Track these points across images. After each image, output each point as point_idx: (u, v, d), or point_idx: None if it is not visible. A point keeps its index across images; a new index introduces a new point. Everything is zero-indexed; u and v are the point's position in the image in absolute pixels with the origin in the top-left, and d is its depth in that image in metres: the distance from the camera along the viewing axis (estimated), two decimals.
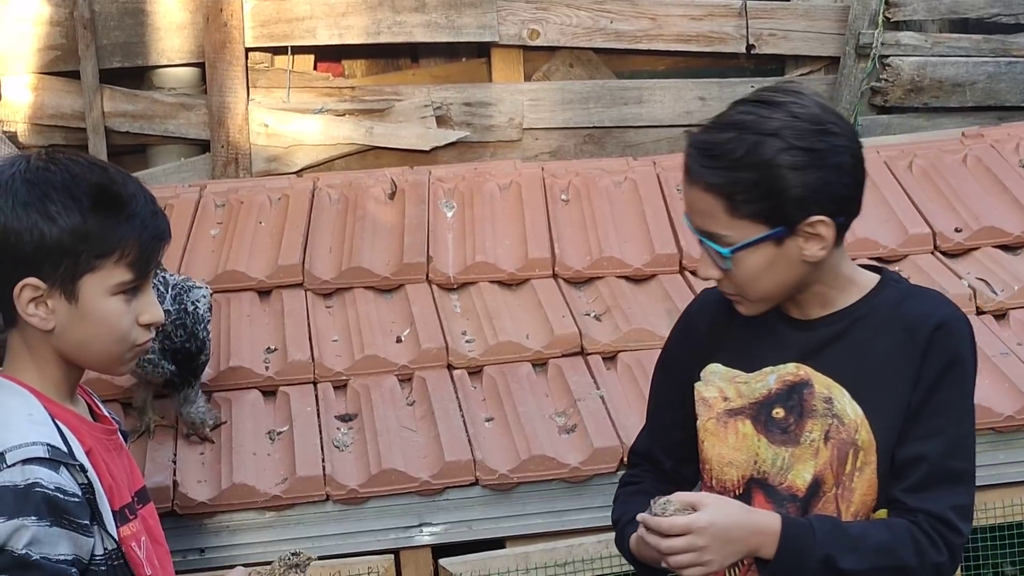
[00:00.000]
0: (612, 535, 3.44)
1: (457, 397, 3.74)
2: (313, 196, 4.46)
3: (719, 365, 2.70)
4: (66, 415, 2.51)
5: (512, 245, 4.26)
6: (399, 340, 3.92)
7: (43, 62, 5.30)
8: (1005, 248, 4.25)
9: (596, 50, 5.65)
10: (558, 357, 3.87)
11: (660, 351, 2.89)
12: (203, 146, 5.39)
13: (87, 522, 2.44)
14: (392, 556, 3.47)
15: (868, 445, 2.58)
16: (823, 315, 2.63)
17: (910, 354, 2.56)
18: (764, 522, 2.57)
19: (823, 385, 2.60)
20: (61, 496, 2.40)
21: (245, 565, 2.76)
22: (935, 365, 2.56)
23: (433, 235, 4.28)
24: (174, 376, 3.53)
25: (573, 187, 4.50)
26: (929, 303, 2.63)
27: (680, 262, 4.20)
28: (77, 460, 2.44)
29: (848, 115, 5.33)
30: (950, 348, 2.57)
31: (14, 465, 2.38)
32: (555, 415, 3.69)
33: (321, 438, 3.60)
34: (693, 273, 4.16)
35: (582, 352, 3.89)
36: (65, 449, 2.44)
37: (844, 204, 2.54)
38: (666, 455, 2.82)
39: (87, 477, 2.45)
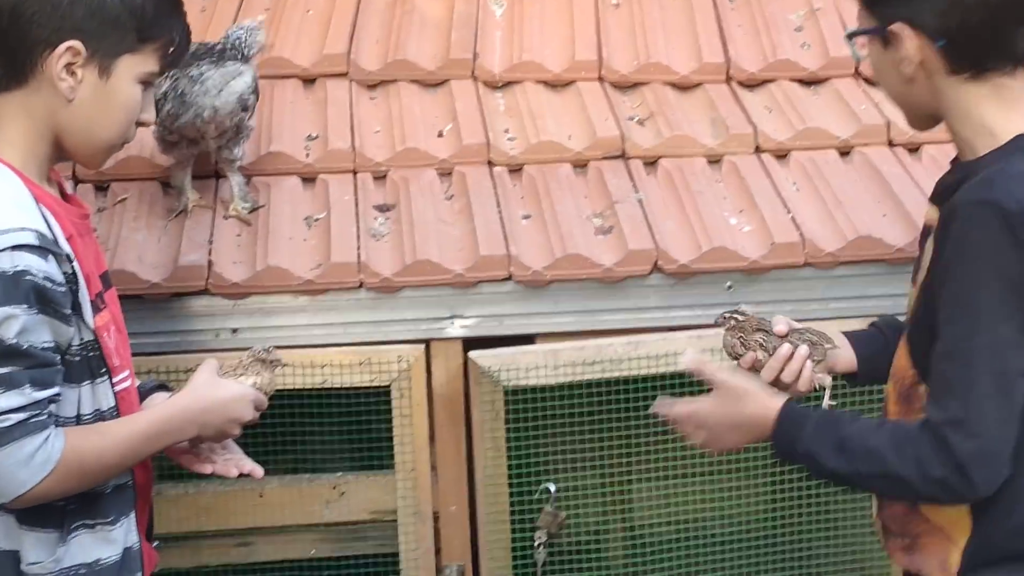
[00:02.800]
0: (642, 337, 3.50)
1: (496, 193, 3.73)
2: None
3: None
4: (47, 198, 2.50)
5: (559, 47, 4.21)
6: (441, 135, 3.90)
7: None
8: None
9: None
10: (599, 159, 3.85)
11: None
12: None
13: (69, 312, 2.44)
14: (423, 346, 3.49)
15: (909, 311, 2.55)
16: (956, 163, 2.53)
17: (939, 235, 2.42)
18: (761, 413, 2.59)
19: (934, 238, 2.48)
20: (49, 285, 2.39)
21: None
22: (944, 253, 2.39)
23: (481, 32, 4.24)
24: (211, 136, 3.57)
25: None
26: (978, 180, 2.40)
27: (727, 72, 4.14)
28: (64, 249, 2.44)
29: None
30: (959, 238, 2.36)
31: (3, 251, 2.37)
32: (592, 216, 3.68)
33: (358, 227, 3.60)
34: (741, 84, 4.12)
35: (623, 156, 3.87)
36: (51, 236, 2.43)
37: (947, 23, 2.40)
38: None
39: (72, 267, 2.45)
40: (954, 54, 2.42)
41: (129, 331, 2.73)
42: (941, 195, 2.51)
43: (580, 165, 3.86)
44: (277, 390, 2.87)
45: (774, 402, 2.60)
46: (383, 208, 3.69)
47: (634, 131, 3.92)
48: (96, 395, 2.55)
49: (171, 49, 2.60)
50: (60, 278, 2.42)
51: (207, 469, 2.76)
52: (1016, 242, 2.32)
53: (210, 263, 3.47)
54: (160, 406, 2.67)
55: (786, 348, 2.75)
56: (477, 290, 3.51)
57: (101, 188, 3.71)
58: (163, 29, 2.57)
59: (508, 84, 4.12)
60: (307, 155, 3.82)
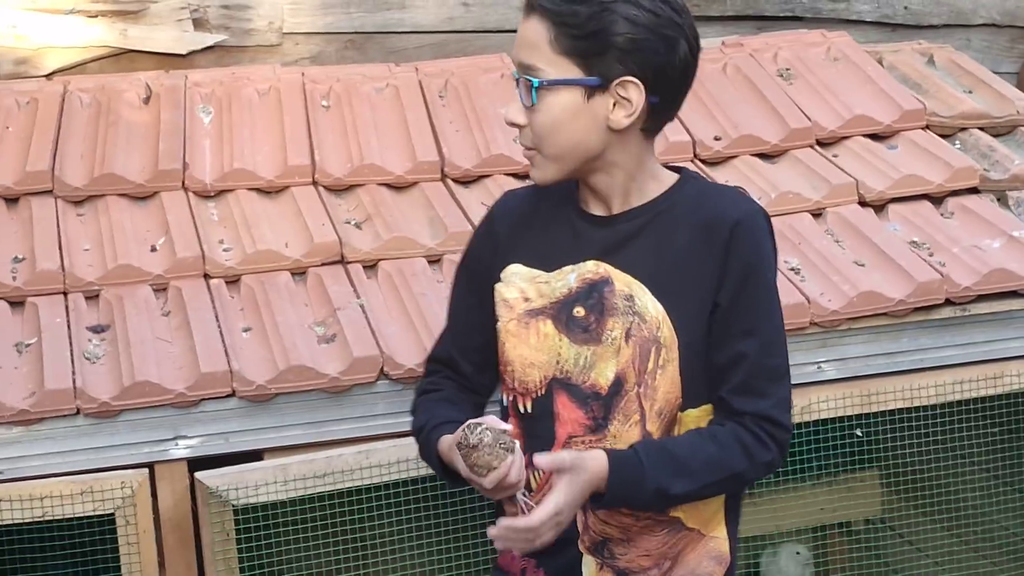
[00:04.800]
0: (372, 445, 3.45)
1: (214, 307, 3.64)
2: (64, 100, 4.30)
3: (520, 266, 2.69)
4: None
5: (271, 152, 4.16)
6: (154, 249, 3.81)
7: None
8: (763, 156, 4.29)
9: None
10: (318, 266, 3.80)
11: (461, 254, 2.85)
12: None
13: None
14: (146, 470, 3.38)
15: (670, 342, 2.60)
16: (623, 211, 2.64)
17: (711, 252, 2.59)
18: (597, 468, 2.54)
19: (623, 283, 2.60)
20: None
21: None
22: (739, 263, 2.59)
23: (190, 141, 4.16)
24: None
25: (334, 93, 4.42)
26: (727, 200, 2.66)
27: (442, 169, 4.15)
28: None
29: None
30: (751, 245, 2.60)
31: None
32: (314, 325, 3.62)
33: (72, 350, 3.48)
34: (455, 181, 4.13)
35: (342, 261, 3.83)
36: None
37: (663, 84, 2.56)
38: (465, 359, 2.80)
39: None
40: (657, 112, 2.60)
41: None
42: (609, 248, 2.63)
43: (299, 272, 3.80)
44: None
45: (596, 455, 2.56)
46: (97, 329, 3.58)
47: (352, 234, 3.89)
48: None
49: None
50: None
51: None
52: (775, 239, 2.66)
53: None
54: None
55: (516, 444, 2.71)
56: (200, 408, 3.42)
57: None
58: None
59: (221, 193, 4.05)
60: (14, 277, 3.69)
